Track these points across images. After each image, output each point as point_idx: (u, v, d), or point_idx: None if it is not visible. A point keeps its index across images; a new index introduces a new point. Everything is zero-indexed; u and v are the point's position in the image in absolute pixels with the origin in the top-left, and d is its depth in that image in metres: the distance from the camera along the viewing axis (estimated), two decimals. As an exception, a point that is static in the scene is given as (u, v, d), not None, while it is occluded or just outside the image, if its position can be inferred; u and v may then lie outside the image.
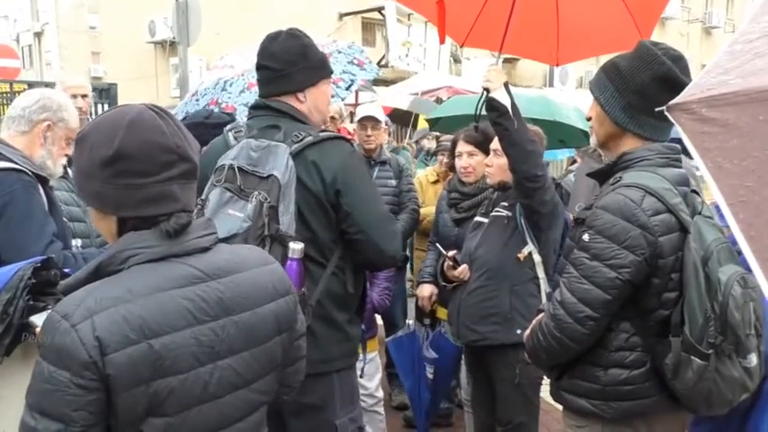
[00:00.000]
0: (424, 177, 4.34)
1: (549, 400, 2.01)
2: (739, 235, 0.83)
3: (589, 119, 1.91)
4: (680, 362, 1.63)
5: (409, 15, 13.89)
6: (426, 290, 3.33)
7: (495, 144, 2.65)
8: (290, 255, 1.75)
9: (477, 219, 2.84)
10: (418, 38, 14.06)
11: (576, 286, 1.71)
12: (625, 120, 1.78)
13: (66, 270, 1.81)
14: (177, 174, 1.16)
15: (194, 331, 1.13)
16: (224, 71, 4.30)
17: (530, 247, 2.63)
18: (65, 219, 2.31)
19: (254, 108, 2.06)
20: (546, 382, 2.16)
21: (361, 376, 2.91)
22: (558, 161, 10.06)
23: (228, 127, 2.03)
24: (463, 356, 3.13)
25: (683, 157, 1.82)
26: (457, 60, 15.22)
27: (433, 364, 3.22)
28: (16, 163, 2.05)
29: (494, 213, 2.75)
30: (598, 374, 1.76)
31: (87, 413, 1.04)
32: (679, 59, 1.75)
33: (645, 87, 1.73)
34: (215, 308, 1.16)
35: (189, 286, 1.14)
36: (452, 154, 3.32)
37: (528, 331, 1.92)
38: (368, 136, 3.85)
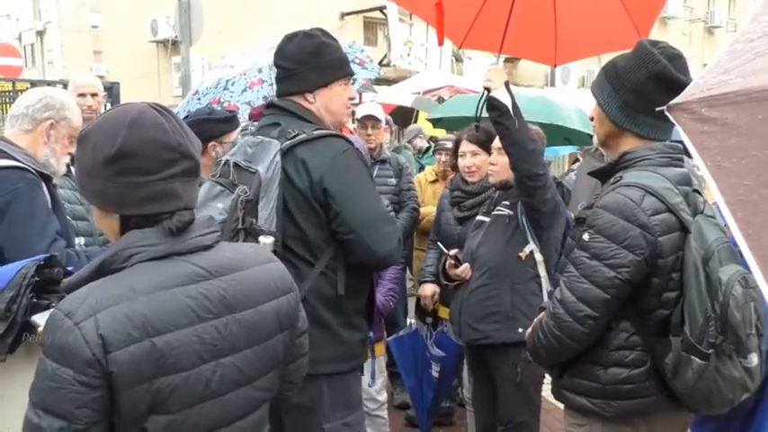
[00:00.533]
0: (423, 177, 4.34)
1: (551, 398, 2.01)
2: (737, 233, 0.84)
3: (592, 119, 1.92)
4: (680, 361, 1.63)
5: (411, 15, 13.88)
6: (429, 289, 3.34)
7: (497, 143, 2.66)
8: None
9: (479, 218, 2.85)
10: (420, 37, 14.05)
11: (576, 285, 1.72)
12: (622, 119, 1.78)
13: (69, 268, 1.82)
14: (179, 171, 1.17)
15: (197, 329, 1.13)
16: (224, 71, 4.31)
17: (531, 246, 2.63)
18: (68, 217, 2.32)
19: (267, 107, 2.11)
20: (547, 380, 2.17)
21: (370, 385, 2.92)
22: (559, 158, 10.06)
23: (241, 126, 2.10)
24: (465, 355, 3.13)
25: (684, 156, 1.83)
26: (458, 60, 15.21)
27: (439, 362, 3.23)
28: (20, 161, 2.05)
29: (495, 212, 2.75)
30: (598, 373, 1.76)
31: (90, 410, 1.04)
32: (676, 58, 1.74)
33: (640, 86, 1.74)
34: (217, 305, 1.17)
35: (191, 284, 1.14)
36: (455, 153, 3.33)
37: (530, 329, 1.92)
38: (368, 135, 3.86)
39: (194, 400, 1.13)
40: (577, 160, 5.23)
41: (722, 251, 1.61)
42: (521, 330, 2.45)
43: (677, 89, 1.64)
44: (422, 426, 3.47)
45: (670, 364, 1.66)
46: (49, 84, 6.10)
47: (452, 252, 2.77)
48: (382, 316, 3.00)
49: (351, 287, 1.96)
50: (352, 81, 2.17)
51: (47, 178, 2.15)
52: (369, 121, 3.90)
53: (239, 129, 2.08)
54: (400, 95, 8.97)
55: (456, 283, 2.78)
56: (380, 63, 12.98)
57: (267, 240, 1.76)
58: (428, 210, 3.87)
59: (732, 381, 1.62)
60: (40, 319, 1.63)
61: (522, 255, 2.63)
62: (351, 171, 1.92)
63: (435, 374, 3.26)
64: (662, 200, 1.66)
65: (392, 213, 2.07)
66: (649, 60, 1.73)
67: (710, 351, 1.59)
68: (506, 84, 2.47)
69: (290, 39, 2.03)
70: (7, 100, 7.49)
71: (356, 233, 1.88)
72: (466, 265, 2.72)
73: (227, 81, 4.11)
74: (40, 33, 14.58)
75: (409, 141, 6.98)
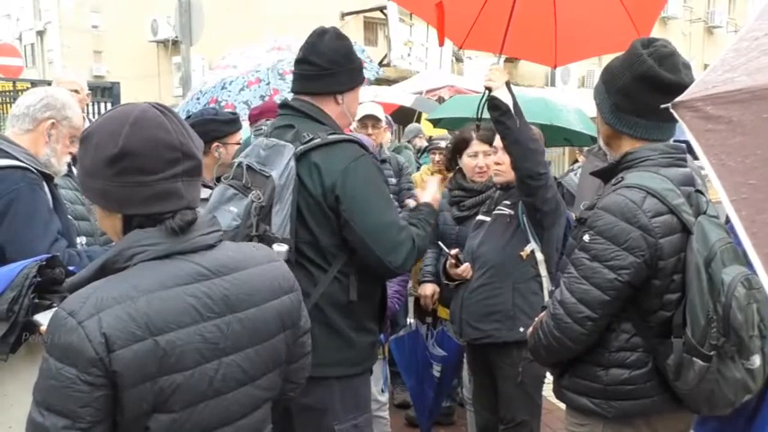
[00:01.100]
0: (419, 176, 4.35)
1: (552, 398, 2.01)
2: (742, 232, 0.84)
3: (594, 119, 1.93)
4: (681, 363, 1.63)
5: (411, 15, 13.87)
6: (429, 289, 3.34)
7: (499, 141, 2.65)
8: None
9: (480, 217, 2.85)
10: (420, 37, 14.05)
11: (576, 286, 1.71)
12: (614, 121, 1.79)
13: (70, 268, 1.82)
14: (182, 171, 1.17)
15: (199, 328, 1.13)
16: (227, 71, 4.32)
17: (532, 246, 2.63)
18: (69, 216, 2.32)
19: (281, 107, 2.05)
20: (548, 380, 2.17)
21: (383, 391, 2.92)
22: (559, 154, 10.05)
23: (257, 125, 2.07)
24: (465, 355, 3.13)
25: (688, 156, 1.82)
26: (459, 60, 15.21)
27: (440, 362, 3.23)
28: (21, 161, 2.05)
29: (496, 212, 2.75)
30: (599, 374, 1.76)
31: (94, 409, 1.04)
32: (666, 57, 1.71)
33: (627, 87, 1.73)
34: (220, 305, 1.17)
35: (194, 283, 1.15)
36: (453, 152, 3.32)
37: (531, 328, 1.93)
38: (368, 135, 3.86)
39: (197, 398, 1.13)
40: (577, 160, 5.23)
41: (725, 252, 1.60)
42: (522, 330, 2.45)
43: (665, 89, 1.64)
44: (422, 425, 3.47)
45: (672, 366, 1.65)
46: (50, 84, 6.09)
47: (453, 251, 2.77)
48: (387, 318, 3.00)
49: (363, 292, 1.95)
50: None
51: (48, 178, 2.14)
52: (369, 120, 3.90)
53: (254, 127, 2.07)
54: (401, 95, 8.97)
55: (456, 282, 2.78)
56: (381, 63, 12.97)
57: (281, 249, 1.75)
58: (428, 210, 3.86)
59: (734, 382, 1.62)
60: (43, 318, 1.63)
61: (524, 254, 2.63)
62: (363, 178, 1.88)
63: (437, 374, 3.26)
64: (663, 201, 1.65)
65: (404, 222, 2.00)
66: (635, 61, 1.72)
67: (712, 353, 1.58)
68: (507, 83, 2.47)
69: (320, 35, 1.98)
70: (8, 100, 7.50)
71: (364, 242, 1.86)
72: (467, 265, 2.72)
73: (225, 81, 4.12)
74: (41, 33, 14.57)
75: (409, 141, 6.98)
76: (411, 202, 2.36)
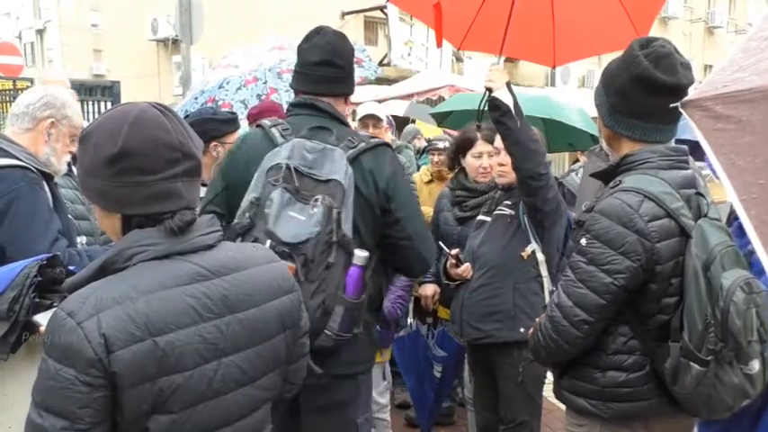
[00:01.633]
0: (418, 177, 4.34)
1: (552, 399, 2.02)
2: (751, 231, 0.83)
3: (595, 119, 1.92)
4: (679, 367, 1.62)
5: (412, 16, 13.86)
6: (429, 289, 3.33)
7: (500, 142, 2.65)
8: (354, 261, 1.78)
9: (480, 217, 2.84)
10: (420, 37, 14.05)
11: (573, 290, 1.71)
12: (612, 123, 1.78)
13: (71, 268, 1.81)
14: (181, 171, 1.16)
15: (199, 329, 1.13)
16: (228, 70, 4.30)
17: (533, 246, 2.63)
18: (70, 216, 2.31)
19: (299, 106, 2.00)
20: (548, 380, 2.16)
21: (393, 384, 2.95)
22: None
23: (269, 122, 1.96)
24: (465, 355, 3.13)
25: (689, 158, 1.81)
26: (459, 59, 15.21)
27: (441, 362, 3.22)
28: (21, 160, 2.05)
29: (497, 212, 2.75)
30: (596, 376, 1.76)
31: (93, 410, 1.04)
32: (664, 57, 1.69)
33: (623, 89, 1.72)
34: (219, 305, 1.16)
35: (193, 284, 1.14)
36: (456, 152, 3.31)
37: (532, 328, 1.92)
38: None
39: (196, 399, 1.13)
40: (577, 160, 5.22)
41: (725, 255, 1.58)
42: (522, 330, 2.45)
43: (662, 91, 1.63)
44: (422, 425, 3.47)
45: (669, 369, 1.65)
46: (33, 82, 6.09)
47: (454, 252, 2.76)
48: (388, 323, 2.99)
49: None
50: None
51: (48, 177, 2.14)
52: (370, 120, 3.89)
53: (269, 124, 1.99)
54: (393, 105, 8.86)
55: (457, 282, 2.78)
56: (381, 63, 12.97)
57: (362, 254, 1.79)
58: (425, 210, 3.85)
59: (732, 387, 1.60)
60: (42, 318, 1.62)
61: (524, 254, 2.62)
62: (406, 182, 2.03)
63: (437, 374, 3.25)
64: (661, 205, 1.64)
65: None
66: (631, 63, 1.70)
67: (710, 358, 1.57)
68: (508, 84, 2.46)
69: (333, 36, 1.98)
70: (8, 98, 7.50)
71: (411, 239, 1.95)
72: (467, 265, 2.72)
73: (224, 80, 4.11)
74: (40, 32, 14.57)
75: (408, 142, 6.97)
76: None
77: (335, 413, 1.95)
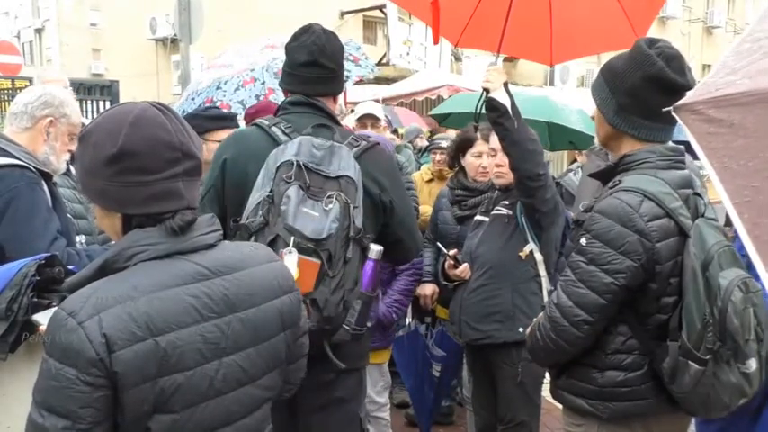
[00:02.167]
0: (419, 176, 4.34)
1: (551, 399, 2.02)
2: (744, 235, 0.84)
3: (593, 118, 1.91)
4: (677, 366, 1.63)
5: (410, 14, 13.85)
6: (428, 288, 3.33)
7: (497, 143, 2.65)
8: (369, 255, 1.83)
9: (478, 218, 2.84)
10: (419, 36, 14.03)
11: (573, 290, 1.71)
12: (618, 121, 1.77)
13: (70, 267, 1.81)
14: (182, 171, 1.17)
15: (200, 328, 1.13)
16: (221, 71, 4.30)
17: (531, 246, 2.63)
18: (68, 215, 2.31)
19: (296, 104, 1.99)
20: (547, 380, 2.17)
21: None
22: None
23: (266, 121, 1.95)
24: (464, 355, 3.13)
25: (686, 157, 1.82)
26: (458, 59, 15.21)
27: (440, 362, 3.23)
28: (20, 159, 2.05)
29: (494, 212, 2.75)
30: (595, 375, 1.76)
31: (94, 410, 1.04)
32: (674, 59, 1.71)
33: (636, 88, 1.72)
34: (220, 305, 1.17)
35: (194, 283, 1.14)
36: (456, 151, 3.31)
37: (529, 329, 1.93)
38: (367, 135, 3.85)
39: (198, 398, 1.13)
40: (575, 160, 5.22)
41: (723, 255, 1.59)
42: (521, 330, 2.45)
43: (674, 91, 1.63)
44: (422, 425, 3.47)
45: (667, 369, 1.65)
46: (31, 81, 6.07)
47: (452, 252, 2.77)
48: (383, 326, 3.00)
49: None
50: (345, 78, 2.19)
51: (47, 176, 2.14)
52: (368, 119, 3.89)
53: (268, 122, 1.98)
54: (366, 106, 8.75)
55: (455, 283, 2.78)
56: (380, 62, 12.96)
57: (377, 248, 1.85)
58: (425, 209, 3.86)
59: (730, 386, 1.61)
60: (42, 318, 1.62)
61: (523, 254, 2.63)
62: (401, 178, 2.11)
63: (436, 374, 3.26)
64: (660, 205, 1.65)
65: None
66: (645, 62, 1.70)
67: (708, 357, 1.58)
68: (505, 84, 2.46)
69: (321, 36, 1.96)
70: (6, 98, 7.49)
71: (408, 232, 2.04)
72: (465, 266, 2.72)
73: (220, 80, 4.10)
74: (39, 31, 14.55)
75: (410, 141, 6.97)
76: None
77: (341, 408, 1.97)
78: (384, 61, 13.64)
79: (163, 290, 1.11)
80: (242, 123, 3.38)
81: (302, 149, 1.83)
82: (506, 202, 2.71)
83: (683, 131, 1.03)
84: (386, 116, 4.36)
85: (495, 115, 2.44)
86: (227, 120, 2.92)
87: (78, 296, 1.08)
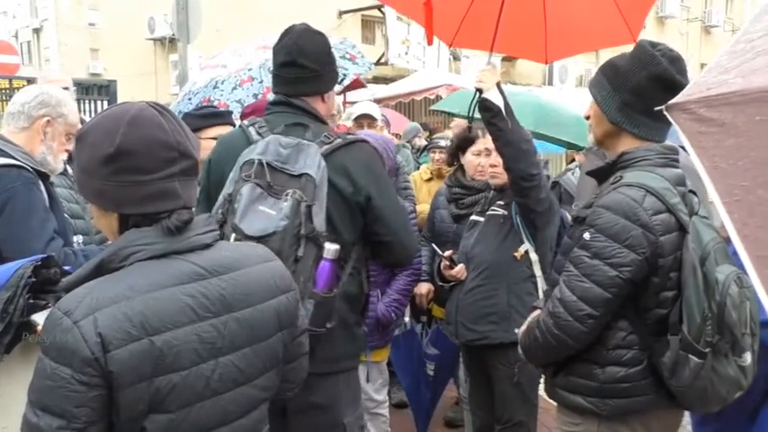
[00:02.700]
0: (418, 175, 4.35)
1: (547, 398, 2.02)
2: (733, 234, 0.84)
3: (587, 118, 1.92)
4: (677, 360, 1.64)
5: (405, 15, 13.82)
6: (423, 287, 3.33)
7: (490, 143, 2.65)
8: (324, 255, 1.76)
9: (473, 218, 2.85)
10: (418, 36, 14.01)
11: (576, 284, 1.72)
12: (620, 119, 1.79)
13: (66, 267, 1.81)
14: (178, 171, 1.17)
15: (196, 328, 1.13)
16: (216, 70, 4.29)
17: (526, 246, 2.63)
18: (66, 215, 2.31)
19: (276, 104, 2.03)
20: (542, 379, 2.17)
21: (367, 380, 2.96)
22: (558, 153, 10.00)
23: (247, 122, 1.98)
24: (461, 356, 3.13)
25: (684, 153, 1.83)
26: (456, 58, 15.20)
27: (434, 360, 3.23)
28: (17, 159, 2.05)
29: (489, 212, 2.75)
30: (596, 372, 1.77)
31: (89, 410, 1.04)
32: (676, 60, 1.75)
33: (641, 87, 1.74)
34: (216, 304, 1.17)
35: (190, 283, 1.15)
36: (455, 149, 3.31)
37: (523, 328, 1.93)
38: (365, 135, 3.85)
39: (194, 398, 1.13)
40: (574, 159, 5.22)
41: (718, 251, 1.62)
42: (517, 330, 2.45)
43: (677, 91, 1.63)
44: (419, 424, 3.47)
45: (668, 363, 1.67)
46: (34, 81, 6.07)
47: (447, 253, 2.77)
48: (382, 326, 3.00)
49: (367, 284, 2.04)
50: (343, 76, 2.19)
51: (44, 176, 2.14)
52: (365, 119, 3.89)
53: (247, 123, 2.00)
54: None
55: (451, 284, 2.78)
56: (378, 61, 12.95)
57: (332, 247, 1.77)
58: (423, 208, 3.87)
59: (727, 379, 1.64)
60: (40, 317, 1.63)
61: (518, 255, 2.63)
62: (384, 176, 2.02)
63: (431, 373, 3.26)
64: (662, 200, 1.67)
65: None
66: (650, 62, 1.73)
67: (707, 350, 1.60)
68: (498, 84, 2.46)
69: (301, 35, 1.97)
70: (4, 97, 7.48)
71: (396, 234, 1.96)
72: (461, 266, 2.72)
73: (217, 80, 4.10)
74: (37, 31, 14.51)
75: (409, 141, 6.97)
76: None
77: (319, 414, 1.93)
78: (382, 61, 13.63)
79: (159, 289, 1.11)
80: (238, 122, 3.38)
81: (269, 148, 1.84)
82: (501, 203, 2.72)
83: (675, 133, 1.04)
84: (383, 115, 4.35)
85: (489, 115, 2.44)
86: (219, 117, 2.92)
87: (74, 296, 1.08)
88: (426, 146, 6.05)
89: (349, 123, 3.88)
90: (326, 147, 1.86)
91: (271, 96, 3.87)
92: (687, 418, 2.14)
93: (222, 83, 4.04)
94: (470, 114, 2.65)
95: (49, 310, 1.55)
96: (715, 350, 1.60)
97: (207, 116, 2.87)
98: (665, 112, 0.96)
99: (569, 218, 2.58)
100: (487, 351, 2.69)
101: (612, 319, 1.74)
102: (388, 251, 2.00)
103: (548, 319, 1.78)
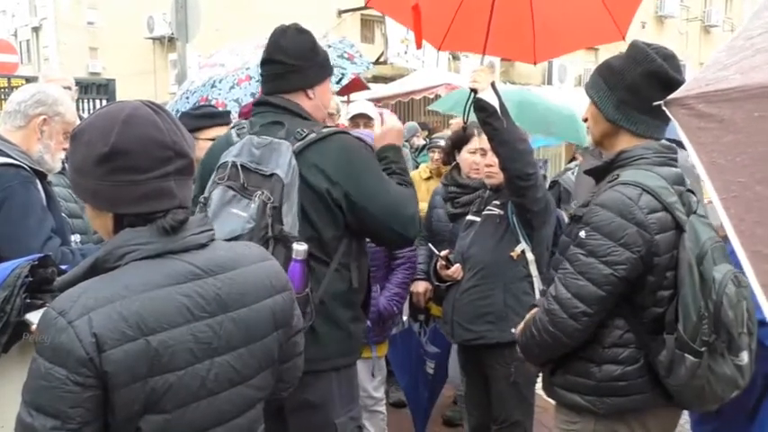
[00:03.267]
0: (417, 174, 4.35)
1: (545, 396, 2.02)
2: (730, 229, 0.84)
3: (585, 120, 1.93)
4: (673, 359, 1.64)
5: (394, 19, 13.80)
6: (421, 286, 3.33)
7: (486, 142, 2.64)
8: (293, 256, 1.73)
9: (470, 218, 2.84)
10: (417, 35, 14.01)
11: (571, 282, 1.72)
12: (618, 117, 1.79)
13: (63, 267, 1.81)
14: (174, 170, 1.16)
15: (191, 328, 1.13)
16: (214, 70, 4.28)
17: (523, 246, 2.63)
18: (63, 214, 2.31)
19: (257, 105, 2.02)
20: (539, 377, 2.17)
21: (372, 375, 2.95)
22: (536, 148, 9.98)
23: (232, 124, 2.00)
24: (457, 356, 3.13)
25: (681, 150, 1.83)
26: (455, 57, 15.20)
27: (434, 359, 3.22)
28: (14, 158, 2.05)
29: (486, 212, 2.75)
30: (592, 370, 1.77)
31: (84, 410, 1.03)
32: (671, 58, 1.76)
33: (636, 84, 1.75)
34: (212, 304, 1.16)
35: (186, 283, 1.14)
36: (451, 149, 3.31)
37: (521, 326, 1.93)
38: (361, 135, 3.84)
39: (189, 398, 1.13)
40: (574, 158, 5.23)
41: (715, 250, 1.62)
42: (514, 330, 2.45)
43: (672, 87, 1.64)
44: (418, 423, 3.47)
45: (664, 362, 1.67)
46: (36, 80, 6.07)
47: (443, 253, 2.77)
48: (384, 320, 3.00)
49: (359, 280, 1.98)
50: (341, 76, 2.17)
51: (42, 175, 2.13)
52: (361, 119, 3.87)
53: (232, 125, 2.00)
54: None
55: (448, 283, 2.78)
56: (377, 61, 12.94)
57: (301, 248, 1.74)
58: (422, 207, 3.86)
59: (724, 378, 1.64)
60: (33, 317, 1.62)
61: (514, 254, 2.62)
62: (364, 165, 1.90)
63: (430, 371, 3.25)
64: (658, 198, 1.67)
65: (397, 185, 1.99)
66: (645, 59, 1.74)
67: (703, 349, 1.60)
68: (493, 84, 2.46)
69: (282, 33, 1.97)
70: (3, 96, 7.48)
71: (384, 222, 1.89)
72: (457, 266, 2.72)
73: (215, 80, 4.10)
74: (36, 30, 14.50)
75: (407, 140, 6.97)
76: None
77: (310, 414, 1.91)
78: (382, 60, 13.63)
79: (154, 289, 1.10)
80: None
81: (243, 150, 1.84)
82: (497, 202, 2.71)
83: (674, 130, 1.04)
84: (380, 114, 4.35)
85: (484, 115, 2.43)
86: (217, 117, 2.91)
87: (68, 295, 1.08)
88: (425, 145, 6.06)
89: (345, 123, 3.88)
90: (299, 144, 1.83)
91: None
92: (686, 416, 2.14)
93: (220, 82, 4.04)
94: (465, 115, 2.64)
95: (43, 309, 1.55)
96: (711, 349, 1.61)
97: (205, 116, 2.86)
98: (664, 108, 0.96)
99: (565, 217, 2.59)
100: (484, 351, 2.69)
101: (609, 317, 1.74)
102: (382, 239, 2.02)
103: (543, 317, 1.78)
